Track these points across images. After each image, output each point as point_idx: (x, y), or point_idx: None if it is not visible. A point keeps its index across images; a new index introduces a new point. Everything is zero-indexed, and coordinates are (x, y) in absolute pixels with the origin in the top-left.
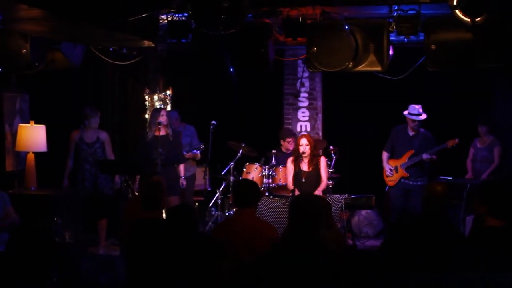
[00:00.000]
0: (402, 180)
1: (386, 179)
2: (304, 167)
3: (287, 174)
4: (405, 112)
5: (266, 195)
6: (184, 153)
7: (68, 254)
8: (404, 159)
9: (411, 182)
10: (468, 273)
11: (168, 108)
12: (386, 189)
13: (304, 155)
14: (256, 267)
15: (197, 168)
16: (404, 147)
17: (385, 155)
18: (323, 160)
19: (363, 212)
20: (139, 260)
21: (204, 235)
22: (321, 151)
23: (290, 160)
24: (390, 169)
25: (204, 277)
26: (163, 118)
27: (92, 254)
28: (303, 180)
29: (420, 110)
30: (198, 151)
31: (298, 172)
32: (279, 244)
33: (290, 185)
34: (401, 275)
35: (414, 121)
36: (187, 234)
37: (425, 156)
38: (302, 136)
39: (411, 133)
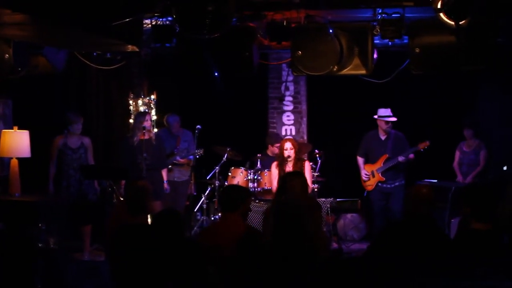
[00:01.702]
0: (379, 184)
1: (364, 184)
2: (289, 171)
3: (272, 178)
4: (376, 116)
5: (252, 199)
6: (179, 158)
7: (52, 260)
8: (380, 163)
9: (388, 186)
10: (451, 279)
11: (153, 112)
12: (365, 194)
13: (289, 159)
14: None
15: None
16: (378, 152)
17: (360, 160)
18: (307, 164)
19: (349, 215)
20: (124, 265)
21: (189, 240)
22: (306, 155)
23: (274, 165)
24: (366, 174)
25: (190, 282)
26: (147, 123)
27: (77, 260)
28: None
29: (391, 113)
30: (192, 157)
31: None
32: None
33: (275, 189)
34: (388, 280)
35: (387, 122)
36: (173, 239)
37: (401, 158)
38: (286, 140)
39: (383, 137)
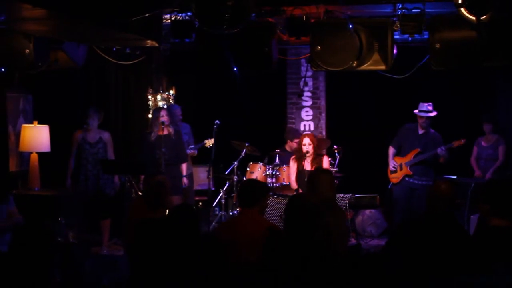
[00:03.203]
0: (406, 178)
1: (390, 175)
2: (307, 166)
3: (290, 174)
4: (416, 111)
5: (270, 195)
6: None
7: (71, 254)
8: (410, 157)
9: (415, 181)
10: (471, 276)
11: None
12: (390, 186)
13: (307, 155)
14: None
15: (199, 168)
16: (411, 145)
17: (391, 150)
18: (325, 160)
19: (367, 211)
20: (143, 260)
21: (206, 235)
22: (324, 150)
23: (292, 159)
24: (394, 166)
25: (207, 276)
26: (164, 118)
27: (95, 254)
28: (306, 179)
29: (430, 108)
30: (195, 150)
31: (301, 172)
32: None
33: (294, 184)
34: (406, 276)
35: (421, 117)
36: (189, 234)
37: (440, 150)
38: (305, 135)
39: (420, 132)
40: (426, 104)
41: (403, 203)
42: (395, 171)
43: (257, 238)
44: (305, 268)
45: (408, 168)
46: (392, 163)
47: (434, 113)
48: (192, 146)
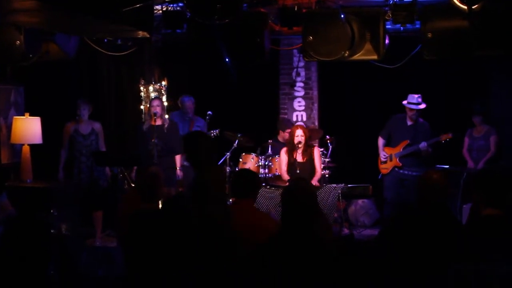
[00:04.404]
0: (395, 169)
1: (380, 166)
2: (299, 157)
3: (280, 164)
4: (404, 102)
5: (263, 185)
6: None
7: (64, 247)
8: (399, 148)
9: (405, 172)
10: (464, 264)
11: (164, 98)
12: (380, 177)
13: (299, 145)
14: (255, 258)
15: None
16: (400, 137)
17: (380, 141)
18: (316, 150)
19: (360, 201)
20: (137, 251)
21: (196, 225)
22: (317, 141)
23: (283, 151)
24: (385, 155)
25: (202, 266)
26: (156, 109)
27: (88, 246)
28: (298, 171)
29: (419, 100)
30: None
31: (293, 163)
32: (276, 235)
33: (285, 176)
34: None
35: (412, 110)
36: (182, 225)
37: (422, 145)
38: (298, 126)
39: (409, 123)
40: (416, 96)
41: (393, 194)
42: (385, 162)
43: (252, 229)
44: (304, 257)
45: (397, 159)
46: (382, 154)
47: (423, 105)
48: None
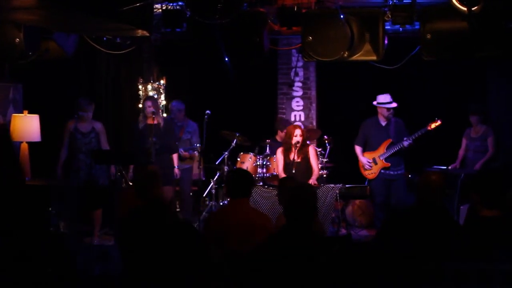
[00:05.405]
0: (382, 171)
1: (365, 172)
2: (294, 157)
3: (278, 164)
4: (375, 102)
5: (260, 185)
6: (182, 150)
7: (62, 244)
8: (382, 149)
9: (391, 172)
10: (461, 263)
11: (162, 97)
12: (366, 184)
13: (297, 145)
14: (254, 257)
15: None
16: (379, 138)
17: (358, 149)
18: (311, 149)
19: (357, 201)
20: (134, 249)
21: (187, 224)
22: (315, 140)
23: (279, 151)
24: (369, 162)
25: (197, 264)
26: (150, 109)
27: (86, 244)
28: (293, 171)
29: (391, 98)
30: (196, 151)
31: (288, 163)
32: (276, 234)
33: (282, 175)
34: (396, 266)
35: (388, 109)
36: (168, 224)
37: (406, 142)
38: (296, 126)
39: (383, 123)
40: (387, 95)
41: (382, 197)
42: (371, 167)
43: (249, 228)
44: (305, 256)
45: (384, 160)
46: (365, 160)
47: (395, 104)
48: (188, 147)
